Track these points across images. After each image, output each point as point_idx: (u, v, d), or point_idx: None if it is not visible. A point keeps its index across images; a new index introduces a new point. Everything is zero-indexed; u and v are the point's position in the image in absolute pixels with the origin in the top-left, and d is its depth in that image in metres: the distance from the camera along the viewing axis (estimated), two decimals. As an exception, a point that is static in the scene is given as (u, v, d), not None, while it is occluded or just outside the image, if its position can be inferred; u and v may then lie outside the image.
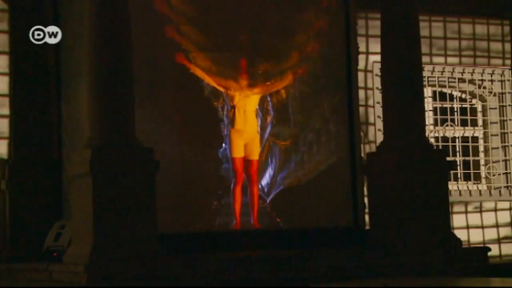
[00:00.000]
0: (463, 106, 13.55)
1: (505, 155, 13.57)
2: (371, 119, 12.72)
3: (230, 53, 10.92)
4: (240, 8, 11.10)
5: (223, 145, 10.80)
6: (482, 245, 12.48)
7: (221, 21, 10.92)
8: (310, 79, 11.36)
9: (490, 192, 13.42)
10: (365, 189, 11.11)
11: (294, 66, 11.23)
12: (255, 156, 10.96)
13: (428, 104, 12.89)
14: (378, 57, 11.25)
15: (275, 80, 11.10)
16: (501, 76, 13.68)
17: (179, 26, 10.63)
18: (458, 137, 13.44)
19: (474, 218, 13.22)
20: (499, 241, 13.25)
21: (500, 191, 13.44)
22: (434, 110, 13.29)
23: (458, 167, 13.27)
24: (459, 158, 13.33)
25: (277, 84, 11.12)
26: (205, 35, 10.77)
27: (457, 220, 12.88)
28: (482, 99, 13.64)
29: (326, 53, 11.46)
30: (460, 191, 13.17)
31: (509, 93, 13.69)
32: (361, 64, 12.51)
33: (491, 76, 13.63)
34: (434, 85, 13.30)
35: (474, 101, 13.66)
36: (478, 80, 13.57)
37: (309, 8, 11.41)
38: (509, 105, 13.66)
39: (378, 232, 10.48)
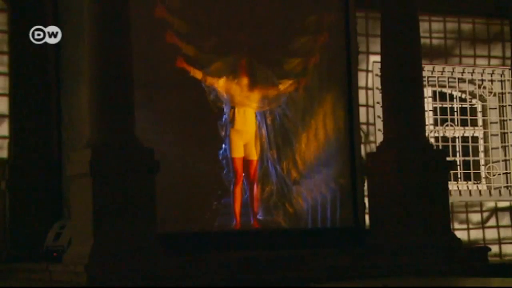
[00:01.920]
0: (463, 106, 13.55)
1: (505, 155, 13.56)
2: (371, 119, 12.71)
3: (230, 54, 10.90)
4: (240, 10, 11.09)
5: (223, 146, 10.80)
6: (482, 245, 12.49)
7: (221, 23, 10.91)
8: (310, 79, 11.36)
9: (490, 192, 13.41)
10: (365, 189, 11.10)
11: (295, 71, 11.21)
12: (254, 156, 10.96)
13: (428, 104, 12.88)
14: (378, 57, 11.25)
15: (276, 85, 11.09)
16: (501, 76, 13.67)
17: (179, 30, 10.61)
18: (458, 137, 13.43)
19: (474, 218, 13.22)
20: (499, 241, 13.25)
21: (500, 191, 13.43)
22: (434, 110, 13.28)
23: (458, 167, 13.26)
24: (459, 158, 13.33)
25: (277, 88, 11.11)
26: (205, 37, 10.75)
27: (457, 220, 12.88)
28: (482, 99, 13.63)
29: (326, 53, 11.45)
30: (460, 191, 13.16)
31: (509, 93, 13.68)
32: (362, 65, 12.52)
33: (491, 76, 13.62)
34: (434, 85, 13.29)
35: (474, 101, 13.65)
36: (478, 80, 13.57)
37: (310, 11, 11.40)
38: (509, 105, 13.65)
39: (378, 232, 10.48)
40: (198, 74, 10.69)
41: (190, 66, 10.64)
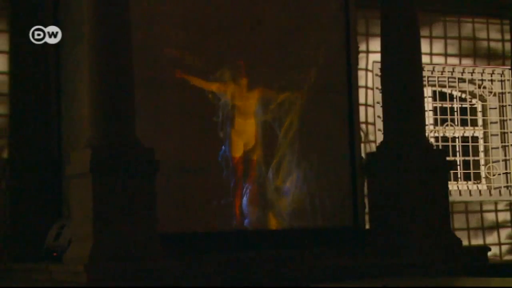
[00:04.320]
0: (463, 106, 13.56)
1: (505, 155, 13.57)
2: (371, 119, 12.72)
3: (229, 59, 10.89)
4: (239, 11, 11.08)
5: (223, 147, 10.79)
6: (482, 245, 12.49)
7: (218, 27, 10.89)
8: (310, 79, 11.36)
9: (490, 192, 13.42)
10: (365, 189, 11.10)
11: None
12: (254, 155, 10.96)
13: (428, 104, 12.89)
14: (378, 56, 11.25)
15: (276, 91, 11.09)
16: (501, 76, 13.68)
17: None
18: (458, 137, 13.44)
19: (474, 218, 13.22)
20: (499, 241, 13.25)
21: (500, 191, 13.44)
22: (434, 110, 13.29)
23: (458, 167, 13.27)
24: (459, 158, 13.33)
25: (276, 95, 11.10)
26: (204, 40, 10.74)
27: (457, 220, 12.88)
28: (482, 99, 13.64)
29: (326, 53, 11.45)
30: (460, 191, 13.17)
31: (509, 93, 13.69)
32: (361, 64, 12.52)
33: (491, 76, 13.63)
34: (434, 85, 13.30)
35: (474, 101, 13.66)
36: (478, 80, 13.57)
37: (309, 12, 11.40)
38: (509, 105, 13.66)
39: (378, 232, 10.49)
40: (197, 82, 10.68)
41: (189, 75, 10.63)
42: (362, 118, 12.34)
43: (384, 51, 10.72)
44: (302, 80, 11.27)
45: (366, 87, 12.73)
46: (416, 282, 8.19)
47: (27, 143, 10.89)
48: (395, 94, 10.54)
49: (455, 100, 13.52)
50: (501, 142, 13.60)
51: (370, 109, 12.71)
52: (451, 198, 11.43)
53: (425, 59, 11.86)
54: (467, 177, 13.40)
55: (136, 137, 9.09)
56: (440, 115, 13.34)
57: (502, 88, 13.66)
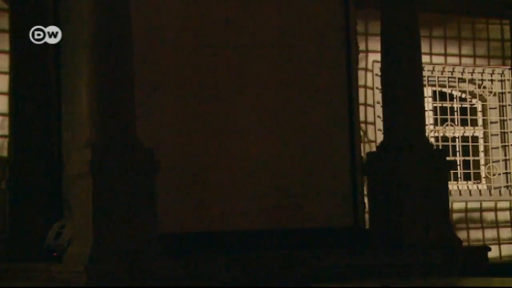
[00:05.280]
0: (463, 106, 13.56)
1: (505, 155, 13.58)
2: (371, 119, 12.72)
3: (230, 54, 10.90)
4: (239, 11, 11.08)
5: (223, 147, 10.79)
6: (482, 245, 12.50)
7: (219, 23, 10.90)
8: (310, 79, 11.36)
9: (490, 192, 13.43)
10: (365, 189, 11.11)
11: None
12: (255, 155, 10.95)
13: (428, 104, 12.90)
14: (378, 56, 11.25)
15: (277, 91, 11.08)
16: (501, 76, 13.69)
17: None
18: (458, 137, 13.45)
19: (474, 218, 13.23)
20: (499, 241, 13.26)
21: (500, 191, 13.44)
22: (434, 110, 13.30)
23: (458, 167, 13.28)
24: (459, 158, 13.34)
25: (277, 95, 11.09)
26: (204, 40, 10.74)
27: (457, 220, 12.89)
28: (482, 99, 13.65)
29: (326, 53, 11.45)
30: (460, 191, 13.17)
31: (509, 93, 13.70)
32: (361, 64, 12.52)
33: (491, 76, 13.64)
34: (434, 85, 13.31)
35: (474, 101, 13.67)
36: (478, 80, 13.58)
37: (309, 12, 11.40)
38: (509, 105, 13.67)
39: (378, 232, 10.49)
40: (198, 82, 10.67)
41: (190, 75, 10.62)
42: (362, 118, 12.34)
43: (384, 51, 10.72)
44: (301, 80, 11.26)
45: (366, 87, 12.74)
46: (416, 282, 8.19)
47: (27, 143, 10.90)
48: (395, 94, 10.54)
49: (455, 100, 13.53)
50: (501, 142, 13.61)
51: (370, 109, 12.71)
52: (451, 198, 11.43)
53: (425, 59, 11.86)
54: (467, 177, 13.41)
55: (136, 137, 9.09)
56: (440, 115, 13.34)
57: (502, 88, 13.67)
